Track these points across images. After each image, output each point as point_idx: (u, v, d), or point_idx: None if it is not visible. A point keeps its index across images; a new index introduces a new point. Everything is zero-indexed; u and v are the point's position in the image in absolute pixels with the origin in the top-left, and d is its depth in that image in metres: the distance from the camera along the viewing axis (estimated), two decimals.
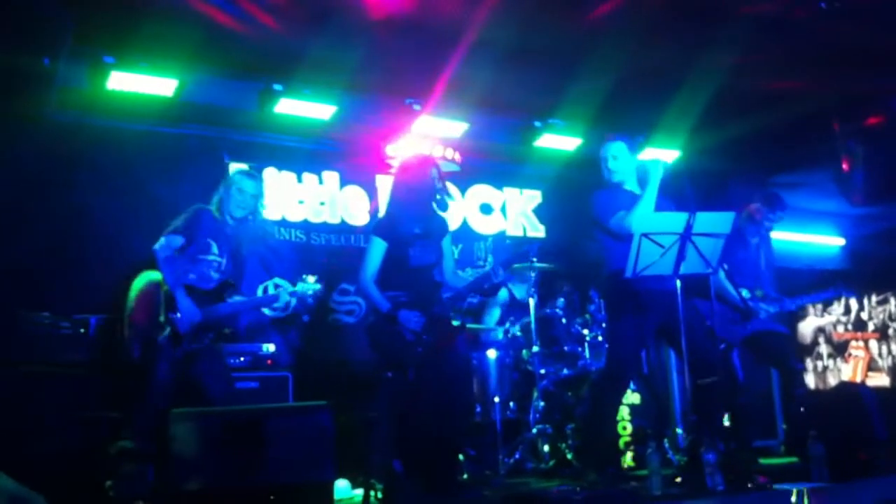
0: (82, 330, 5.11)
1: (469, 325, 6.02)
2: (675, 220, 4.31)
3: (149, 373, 4.42)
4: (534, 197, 8.04)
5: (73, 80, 5.70)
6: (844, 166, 7.63)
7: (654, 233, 4.27)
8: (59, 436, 4.66)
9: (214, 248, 4.71)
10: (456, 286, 4.71)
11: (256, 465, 3.58)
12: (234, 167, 4.97)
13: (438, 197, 4.62)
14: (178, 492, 3.54)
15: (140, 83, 5.80)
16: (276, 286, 6.49)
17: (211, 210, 4.80)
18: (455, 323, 4.68)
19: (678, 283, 4.40)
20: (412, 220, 4.56)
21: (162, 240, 4.59)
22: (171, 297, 4.52)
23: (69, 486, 4.37)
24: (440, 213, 4.70)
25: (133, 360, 4.57)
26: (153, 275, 4.67)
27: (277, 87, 6.26)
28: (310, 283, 4.87)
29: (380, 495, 4.21)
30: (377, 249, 4.52)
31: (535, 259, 5.81)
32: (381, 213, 6.74)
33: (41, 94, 5.44)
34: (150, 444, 4.27)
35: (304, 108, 6.44)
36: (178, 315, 4.47)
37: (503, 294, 6.38)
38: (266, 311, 6.44)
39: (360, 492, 4.75)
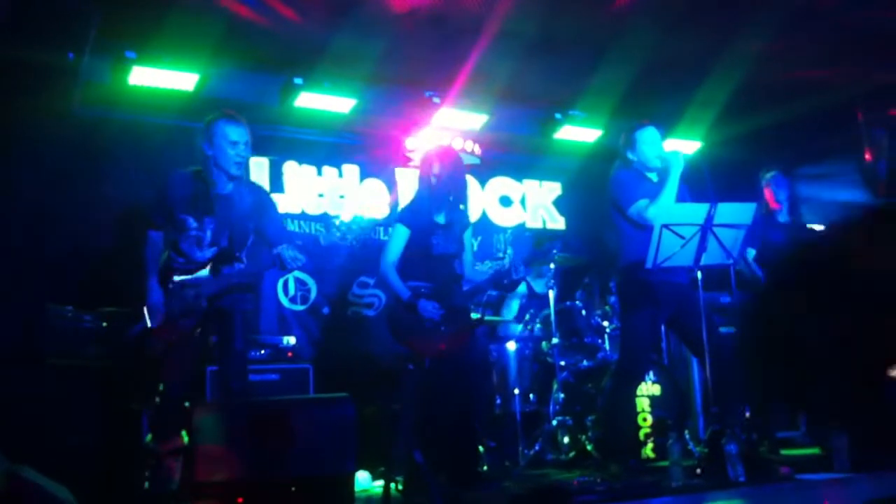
0: (104, 323, 5.15)
1: (488, 318, 6.03)
2: (696, 211, 4.30)
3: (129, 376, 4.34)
4: (554, 189, 8.03)
5: (95, 76, 5.75)
6: (868, 156, 7.55)
7: (675, 224, 4.26)
8: (83, 429, 4.71)
9: (191, 223, 4.22)
10: (475, 279, 4.72)
11: (279, 456, 3.60)
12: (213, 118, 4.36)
13: (459, 189, 4.63)
14: (201, 483, 3.57)
15: (162, 78, 5.84)
16: (296, 279, 6.55)
17: (185, 174, 4.30)
18: (474, 315, 4.69)
19: (699, 274, 4.40)
20: (436, 210, 4.58)
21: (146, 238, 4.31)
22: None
23: (93, 479, 4.42)
24: (461, 205, 4.71)
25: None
26: None
27: (298, 80, 6.29)
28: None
29: (400, 487, 4.23)
30: (400, 236, 4.54)
31: (555, 253, 5.81)
32: (401, 205, 6.82)
33: (65, 90, 5.49)
34: (171, 438, 4.24)
35: (324, 101, 6.46)
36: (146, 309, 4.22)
37: (521, 287, 6.38)
38: (285, 303, 6.48)
39: (380, 483, 4.77)
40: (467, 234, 4.75)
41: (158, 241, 4.30)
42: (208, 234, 4.25)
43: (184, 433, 4.14)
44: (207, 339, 4.38)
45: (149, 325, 4.22)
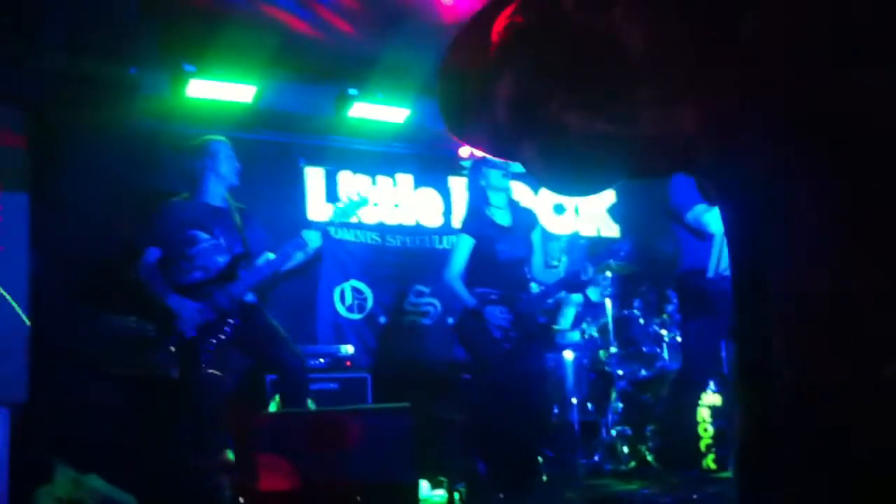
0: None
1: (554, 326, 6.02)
2: None
3: (189, 385, 4.44)
4: (608, 196, 7.97)
5: (154, 88, 5.84)
6: None
7: None
8: (148, 439, 4.77)
9: (203, 235, 4.58)
10: (546, 281, 4.69)
11: (342, 465, 3.62)
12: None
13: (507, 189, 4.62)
14: (265, 494, 3.60)
15: (219, 90, 5.92)
16: (353, 288, 6.58)
17: (178, 200, 4.67)
18: (541, 321, 4.67)
19: None
20: (496, 214, 4.57)
21: (137, 264, 4.55)
22: (163, 311, 4.48)
23: (159, 488, 4.48)
24: (525, 205, 4.69)
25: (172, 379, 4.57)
26: None
27: (352, 91, 6.33)
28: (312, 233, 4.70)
29: (463, 496, 4.22)
30: (464, 246, 4.53)
31: (621, 259, 5.77)
32: (455, 215, 6.81)
33: (126, 103, 5.58)
34: (218, 453, 4.33)
35: (378, 111, 6.49)
36: (178, 320, 4.44)
37: (577, 296, 6.34)
38: (343, 312, 6.52)
39: (440, 493, 4.77)
40: (536, 235, 4.72)
41: (157, 258, 4.56)
42: (222, 241, 4.58)
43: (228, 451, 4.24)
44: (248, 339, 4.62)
45: (186, 337, 4.44)
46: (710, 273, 4.21)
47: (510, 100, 0.84)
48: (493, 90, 0.86)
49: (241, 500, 4.17)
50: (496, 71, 0.85)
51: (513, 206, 4.65)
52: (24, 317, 5.01)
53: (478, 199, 4.57)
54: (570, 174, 0.87)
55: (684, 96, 0.73)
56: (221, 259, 4.57)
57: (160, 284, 4.50)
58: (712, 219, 4.34)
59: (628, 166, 0.83)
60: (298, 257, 4.70)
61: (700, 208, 4.47)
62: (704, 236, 4.33)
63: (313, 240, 4.64)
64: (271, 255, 4.66)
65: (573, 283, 4.61)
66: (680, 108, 0.73)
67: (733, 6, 0.69)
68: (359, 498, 3.62)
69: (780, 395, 0.71)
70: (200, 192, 4.70)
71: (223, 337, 4.47)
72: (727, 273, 4.21)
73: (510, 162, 4.74)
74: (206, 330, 4.47)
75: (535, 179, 0.93)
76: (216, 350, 4.48)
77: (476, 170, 4.70)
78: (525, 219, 4.68)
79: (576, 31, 0.77)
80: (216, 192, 4.72)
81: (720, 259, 4.19)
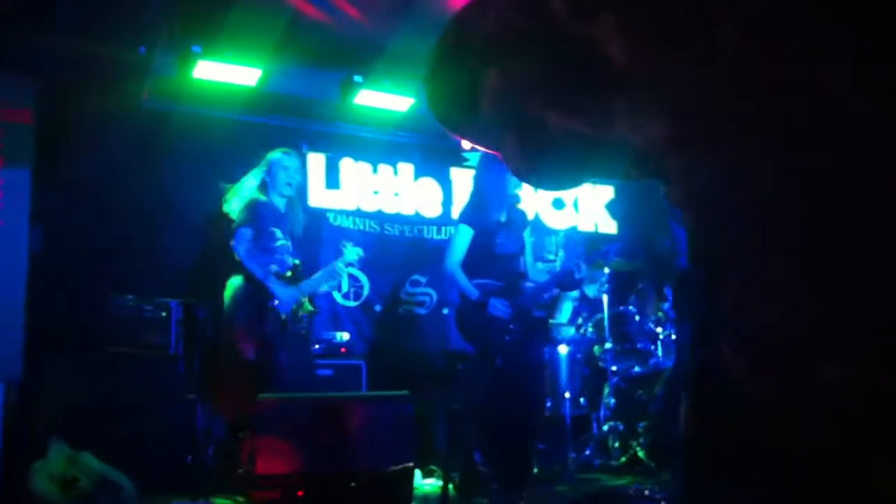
0: (164, 313, 5.23)
1: (551, 320, 6.04)
2: None
3: (270, 368, 4.59)
4: (606, 192, 7.99)
5: (162, 69, 5.83)
6: None
7: None
8: (143, 416, 4.78)
9: (279, 234, 4.92)
10: (537, 279, 4.72)
11: (340, 451, 3.63)
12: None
13: (515, 188, 4.64)
14: (263, 476, 3.61)
15: (226, 72, 5.89)
16: (350, 275, 6.59)
17: (262, 199, 4.98)
18: (538, 315, 4.69)
19: None
20: (496, 209, 4.59)
21: (235, 236, 4.79)
22: (263, 289, 4.64)
23: (152, 464, 4.50)
24: (518, 204, 4.72)
25: (248, 360, 4.70)
26: (239, 279, 4.81)
27: (358, 78, 6.31)
28: (352, 250, 5.16)
29: (458, 485, 4.25)
30: (464, 237, 4.55)
31: (614, 258, 5.79)
32: (454, 205, 6.82)
33: (136, 83, 5.58)
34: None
35: (382, 99, 6.47)
36: (277, 302, 4.62)
37: (574, 291, 6.36)
38: (339, 299, 6.53)
39: (430, 481, 4.80)
40: (526, 233, 4.76)
41: (249, 238, 4.82)
42: (289, 244, 4.98)
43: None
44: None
45: (283, 318, 4.75)
46: None
47: (495, 93, 0.88)
48: (480, 82, 0.89)
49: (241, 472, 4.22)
50: (485, 64, 0.89)
51: (509, 203, 4.67)
52: (21, 293, 5.01)
53: (494, 187, 4.59)
54: (548, 169, 0.91)
55: (657, 109, 0.75)
56: (289, 260, 4.94)
57: (256, 264, 4.78)
58: None
59: (603, 167, 0.87)
60: (328, 284, 5.34)
61: None
62: None
63: (349, 254, 5.17)
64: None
65: (566, 281, 4.64)
66: (652, 120, 0.76)
67: (712, 20, 0.71)
68: (353, 483, 3.64)
69: (726, 395, 0.73)
70: (270, 196, 5.04)
71: (302, 327, 4.90)
72: None
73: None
74: (295, 317, 4.82)
75: (513, 172, 0.97)
76: (293, 337, 4.82)
77: (489, 160, 4.72)
78: (519, 216, 4.71)
79: (562, 34, 0.80)
80: (279, 200, 5.07)
81: None
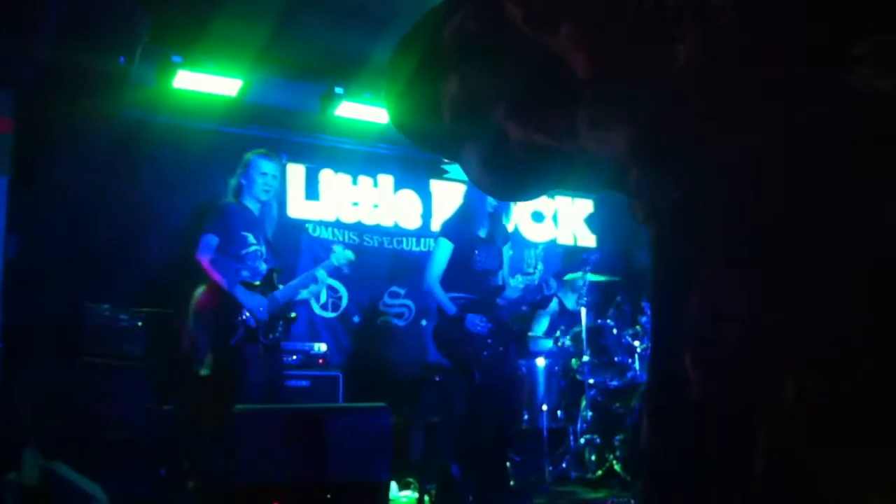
0: (139, 323, 5.20)
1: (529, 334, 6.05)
2: None
3: (232, 383, 4.49)
4: (585, 206, 8.03)
5: (141, 78, 5.81)
6: None
7: None
8: (117, 426, 4.75)
9: (251, 239, 4.81)
10: (509, 296, 4.74)
11: (315, 462, 3.62)
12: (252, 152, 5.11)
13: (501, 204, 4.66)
14: (237, 487, 3.60)
15: (206, 83, 5.89)
16: (328, 286, 6.58)
17: (233, 202, 4.89)
18: (516, 329, 4.72)
19: None
20: (478, 225, 4.60)
21: (199, 244, 4.70)
22: (230, 299, 4.58)
23: (126, 473, 4.47)
24: (504, 220, 4.74)
25: (206, 375, 4.64)
26: (202, 289, 4.77)
27: (339, 90, 6.32)
28: (342, 252, 5.05)
29: (434, 498, 4.24)
30: (444, 251, 4.56)
31: (588, 270, 5.81)
32: (434, 217, 6.83)
33: (115, 93, 5.55)
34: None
35: (363, 111, 6.49)
36: (246, 314, 4.55)
37: (553, 303, 6.38)
38: (317, 309, 6.52)
39: (407, 493, 4.79)
40: (506, 250, 4.78)
41: (214, 246, 4.69)
42: (263, 249, 4.84)
43: None
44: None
45: (252, 329, 4.62)
46: None
47: (455, 102, 0.87)
48: (440, 91, 0.89)
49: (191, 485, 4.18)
50: (444, 72, 0.88)
51: (491, 218, 4.68)
52: None
53: (476, 202, 4.60)
54: (507, 180, 0.90)
55: (618, 121, 0.76)
56: (262, 266, 4.83)
57: (223, 272, 4.67)
58: None
59: (563, 179, 0.87)
60: (308, 291, 5.17)
61: None
62: None
63: (339, 257, 5.06)
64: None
65: (536, 298, 4.66)
66: (614, 132, 0.76)
67: (673, 33, 0.72)
68: (329, 495, 3.63)
69: (686, 408, 0.74)
70: (244, 200, 4.93)
71: (274, 336, 4.73)
72: None
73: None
74: (266, 326, 4.69)
75: (472, 182, 0.96)
76: (264, 349, 4.68)
77: None
78: (501, 232, 4.72)
79: (523, 45, 0.80)
80: (253, 204, 4.94)
81: None
